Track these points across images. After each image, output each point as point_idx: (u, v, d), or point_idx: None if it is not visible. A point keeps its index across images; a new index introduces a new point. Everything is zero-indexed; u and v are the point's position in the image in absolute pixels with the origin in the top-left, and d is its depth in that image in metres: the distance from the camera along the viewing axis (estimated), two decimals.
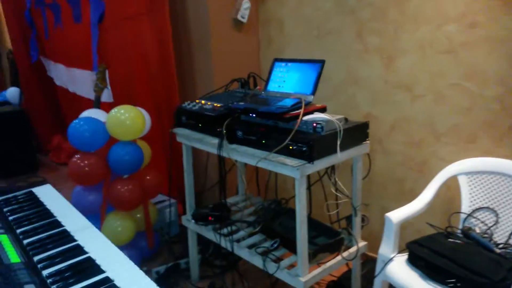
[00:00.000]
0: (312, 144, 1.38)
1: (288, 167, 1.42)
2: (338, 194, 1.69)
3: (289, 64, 1.77)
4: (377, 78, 2.05)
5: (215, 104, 1.82)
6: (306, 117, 1.52)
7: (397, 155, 2.04)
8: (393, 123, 2.03)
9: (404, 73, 1.94)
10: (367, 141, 1.65)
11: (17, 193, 1.39)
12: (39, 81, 4.32)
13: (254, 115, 1.63)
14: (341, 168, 1.74)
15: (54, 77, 3.97)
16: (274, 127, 1.57)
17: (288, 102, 1.55)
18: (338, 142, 1.48)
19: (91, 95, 2.77)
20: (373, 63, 2.05)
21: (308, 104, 1.57)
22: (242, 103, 1.70)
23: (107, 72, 2.55)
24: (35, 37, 3.98)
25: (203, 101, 1.91)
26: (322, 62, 1.62)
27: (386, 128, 2.06)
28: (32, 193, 1.39)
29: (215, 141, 1.69)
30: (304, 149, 1.41)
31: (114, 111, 1.98)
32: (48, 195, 1.38)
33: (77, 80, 3.35)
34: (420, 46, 1.86)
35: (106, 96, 2.73)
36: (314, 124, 1.46)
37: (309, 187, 1.84)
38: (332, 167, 1.67)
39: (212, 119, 1.72)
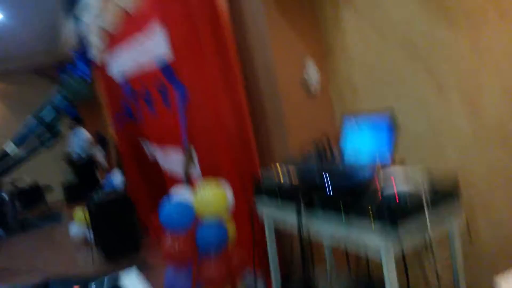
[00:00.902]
0: (393, 218, 1.26)
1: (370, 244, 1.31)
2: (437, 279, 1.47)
3: (360, 120, 1.71)
4: (461, 126, 1.84)
5: (291, 172, 1.80)
6: (385, 182, 1.41)
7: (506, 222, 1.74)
8: (491, 180, 1.76)
9: (493, 120, 1.72)
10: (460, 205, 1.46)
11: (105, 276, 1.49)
12: (138, 163, 4.75)
13: (331, 187, 1.57)
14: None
15: (154, 157, 4.35)
16: (353, 199, 1.48)
17: (365, 172, 1.47)
18: (427, 212, 1.33)
19: (181, 172, 2.96)
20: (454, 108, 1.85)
21: (385, 165, 1.47)
22: (318, 173, 1.66)
23: (193, 150, 2.72)
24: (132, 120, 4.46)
25: (279, 168, 1.90)
26: (391, 114, 1.52)
27: (483, 187, 1.80)
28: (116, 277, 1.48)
29: (293, 212, 1.65)
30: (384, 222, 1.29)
31: (199, 191, 2.09)
32: (131, 279, 1.45)
33: (170, 158, 3.62)
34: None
35: (195, 172, 2.90)
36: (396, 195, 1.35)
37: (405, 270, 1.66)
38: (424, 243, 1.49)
39: (288, 189, 1.70)
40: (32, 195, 7.73)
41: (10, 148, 1.00)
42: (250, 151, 2.71)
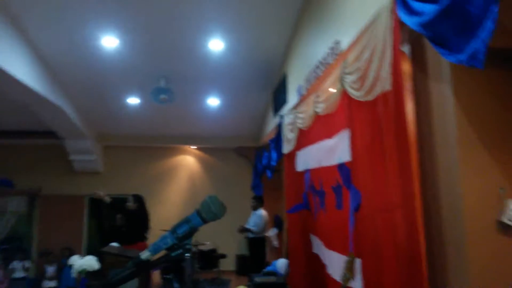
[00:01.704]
0: None
1: None
2: None
3: None
4: None
5: None
6: None
7: None
8: None
9: None
10: None
11: None
12: (305, 257, 4.79)
13: None
14: None
15: (319, 255, 4.34)
16: None
17: None
18: None
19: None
20: None
21: None
22: None
23: (356, 261, 2.61)
24: (304, 210, 4.61)
25: None
26: None
27: None
28: None
29: None
30: None
31: None
32: None
33: (334, 263, 3.55)
34: None
35: (358, 284, 2.75)
36: None
37: None
38: None
39: None
40: (209, 259, 8.57)
41: (145, 255, 1.20)
42: (421, 276, 2.43)
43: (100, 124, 8.33)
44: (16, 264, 7.73)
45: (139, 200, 5.23)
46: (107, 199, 5.46)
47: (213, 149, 9.91)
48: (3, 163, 8.86)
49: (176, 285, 7.69)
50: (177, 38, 5.55)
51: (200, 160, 9.97)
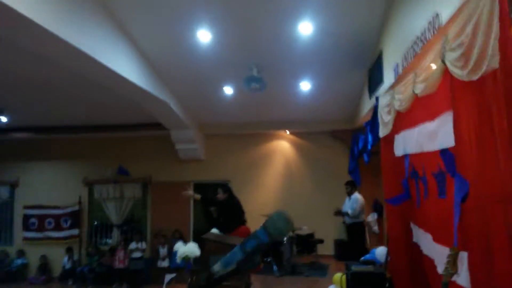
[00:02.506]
0: None
1: None
2: None
3: None
4: None
5: None
6: None
7: None
8: None
9: None
10: None
11: None
12: (406, 246, 4.53)
13: None
14: None
15: (420, 245, 4.08)
16: None
17: None
18: None
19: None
20: None
21: None
22: None
23: (462, 255, 2.39)
24: (405, 200, 4.34)
25: None
26: None
27: None
28: None
29: None
30: None
31: None
32: None
33: (436, 254, 3.30)
34: None
35: (464, 279, 2.53)
36: None
37: None
38: None
39: None
40: (307, 244, 8.64)
41: (217, 267, 1.21)
42: None
43: (200, 114, 8.84)
44: (133, 245, 8.70)
45: (227, 189, 5.48)
46: (197, 197, 5.80)
47: (308, 133, 9.85)
48: (120, 153, 9.96)
49: (274, 268, 7.96)
50: (266, 25, 5.58)
51: (295, 145, 10.00)
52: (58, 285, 9.00)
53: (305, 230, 8.59)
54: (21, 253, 9.63)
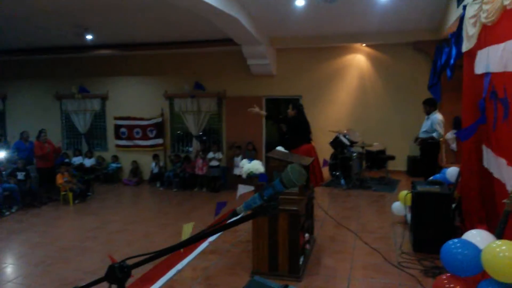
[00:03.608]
0: None
1: None
2: None
3: None
4: None
5: None
6: None
7: None
8: None
9: None
10: None
11: None
12: (478, 168, 4.35)
13: None
14: None
15: (490, 169, 3.91)
16: None
17: None
18: None
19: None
20: None
21: None
22: None
23: None
24: (479, 125, 4.07)
25: None
26: None
27: None
28: None
29: None
30: None
31: (494, 244, 1.79)
32: None
33: (507, 176, 3.17)
34: None
35: None
36: None
37: None
38: None
39: None
40: (377, 160, 8.63)
41: (239, 209, 1.29)
42: None
43: (271, 28, 8.63)
44: (211, 155, 9.40)
45: (297, 106, 5.47)
46: (263, 113, 5.88)
47: (386, 45, 9.22)
48: (197, 69, 10.31)
49: (342, 181, 8.19)
50: None
51: (372, 58, 9.48)
52: (148, 186, 10.22)
53: (375, 146, 8.53)
54: (115, 158, 10.94)
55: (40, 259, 5.09)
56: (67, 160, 10.15)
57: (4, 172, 8.22)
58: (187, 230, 3.10)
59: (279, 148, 4.41)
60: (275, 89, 9.89)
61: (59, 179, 8.33)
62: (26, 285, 4.43)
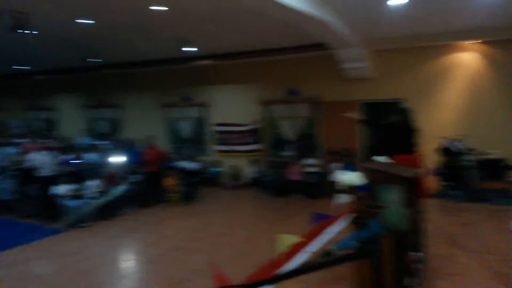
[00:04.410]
0: None
1: None
2: None
3: None
4: None
5: None
6: None
7: None
8: None
9: None
10: None
11: None
12: None
13: None
14: None
15: None
16: None
17: None
18: None
19: None
20: None
21: None
22: None
23: None
24: None
25: None
26: None
27: None
28: None
29: None
30: None
31: None
32: None
33: None
34: None
35: None
36: None
37: None
38: None
39: None
40: (496, 169, 7.68)
41: (332, 248, 1.16)
42: None
43: (367, 30, 8.23)
44: (307, 161, 9.33)
45: (401, 112, 4.95)
46: (357, 117, 5.58)
47: (502, 41, 8.19)
48: (289, 76, 10.36)
49: (452, 192, 7.42)
50: None
51: (484, 57, 8.51)
52: (246, 191, 10.52)
53: (494, 154, 7.62)
54: (216, 163, 11.50)
55: (151, 257, 5.58)
56: (173, 164, 10.95)
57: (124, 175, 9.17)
58: (285, 242, 3.06)
59: (379, 158, 4.11)
60: (372, 92, 9.44)
61: (169, 182, 9.06)
62: (138, 280, 4.88)
